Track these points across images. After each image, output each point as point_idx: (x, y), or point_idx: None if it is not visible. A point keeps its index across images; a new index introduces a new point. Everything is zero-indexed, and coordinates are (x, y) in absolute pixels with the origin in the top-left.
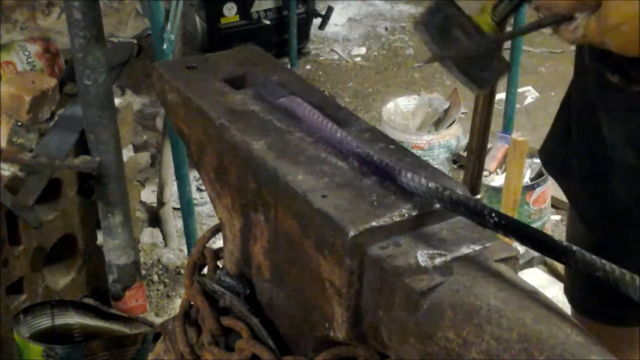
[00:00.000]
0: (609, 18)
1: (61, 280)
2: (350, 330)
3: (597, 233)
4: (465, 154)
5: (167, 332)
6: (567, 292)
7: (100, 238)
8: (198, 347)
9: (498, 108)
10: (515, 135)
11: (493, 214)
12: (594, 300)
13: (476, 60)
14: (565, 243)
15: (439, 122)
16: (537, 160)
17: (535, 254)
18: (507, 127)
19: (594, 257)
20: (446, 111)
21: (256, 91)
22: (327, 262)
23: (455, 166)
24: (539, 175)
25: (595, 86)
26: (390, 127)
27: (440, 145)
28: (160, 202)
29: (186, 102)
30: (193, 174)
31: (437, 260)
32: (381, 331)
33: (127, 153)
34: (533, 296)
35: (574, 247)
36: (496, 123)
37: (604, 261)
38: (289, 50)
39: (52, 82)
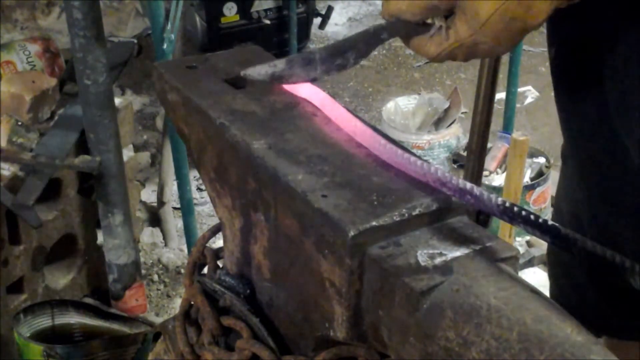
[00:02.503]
0: (479, 12)
1: (61, 280)
2: (350, 330)
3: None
4: (465, 154)
5: (167, 331)
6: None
7: (100, 238)
8: (198, 347)
9: (498, 108)
10: (516, 135)
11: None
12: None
13: None
14: (567, 230)
15: (439, 121)
16: (537, 160)
17: (536, 253)
18: (507, 127)
19: (595, 244)
20: (446, 111)
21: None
22: (327, 262)
23: (455, 166)
24: (539, 175)
25: None
26: (390, 126)
27: (440, 145)
28: (160, 202)
29: (186, 102)
30: (193, 174)
31: (437, 260)
32: (381, 331)
33: (127, 153)
34: (533, 296)
35: (577, 235)
36: (496, 123)
37: (605, 248)
38: (289, 50)
39: (52, 82)
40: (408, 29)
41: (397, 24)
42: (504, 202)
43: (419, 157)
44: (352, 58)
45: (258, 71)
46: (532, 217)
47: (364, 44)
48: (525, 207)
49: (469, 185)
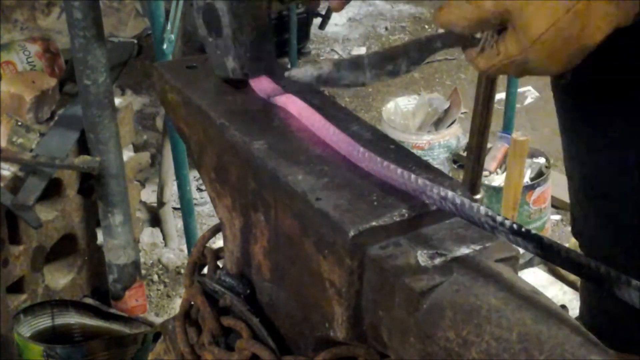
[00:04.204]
0: (530, 28)
1: (61, 280)
2: (350, 330)
3: None
4: (465, 154)
5: (167, 332)
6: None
7: (100, 238)
8: (198, 347)
9: (498, 108)
10: (515, 135)
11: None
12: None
13: None
14: (551, 240)
15: (439, 122)
16: (537, 160)
17: None
18: (507, 127)
19: (580, 254)
20: (446, 111)
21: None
22: (327, 262)
23: (455, 166)
24: (539, 175)
25: None
26: (390, 127)
27: (440, 145)
28: (160, 202)
29: (186, 102)
30: (193, 174)
31: (437, 260)
32: (381, 331)
33: (127, 153)
34: (533, 296)
35: (561, 245)
36: (496, 123)
37: (590, 259)
38: (289, 50)
39: (52, 82)
40: (461, 41)
41: (450, 34)
42: (486, 211)
43: (418, 157)
44: (404, 65)
45: (303, 72)
46: (515, 226)
47: (416, 52)
48: (526, 207)
49: (450, 193)
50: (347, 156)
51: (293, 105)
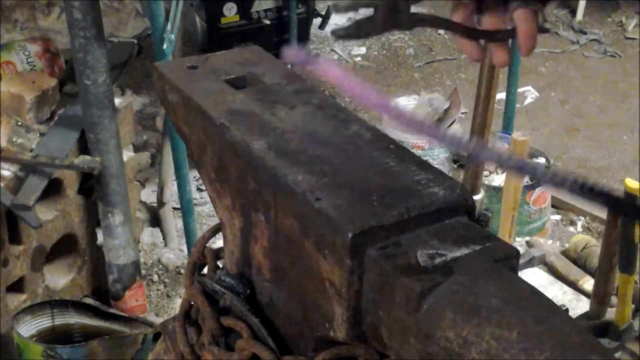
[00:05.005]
0: None
1: (61, 280)
2: (350, 330)
3: None
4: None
5: (167, 332)
6: None
7: (100, 238)
8: (198, 347)
9: (498, 108)
10: (515, 135)
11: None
12: None
13: None
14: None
15: (438, 122)
16: (537, 160)
17: (536, 253)
18: (507, 127)
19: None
20: (446, 111)
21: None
22: (327, 262)
23: (455, 166)
24: None
25: None
26: (390, 127)
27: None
28: (160, 202)
29: (186, 102)
30: (193, 174)
31: (437, 260)
32: (381, 331)
33: (127, 153)
34: (533, 296)
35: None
36: (496, 123)
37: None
38: None
39: (52, 82)
40: None
41: None
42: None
43: (418, 157)
44: None
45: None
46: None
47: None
48: (526, 207)
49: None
50: (391, 118)
51: (333, 70)
